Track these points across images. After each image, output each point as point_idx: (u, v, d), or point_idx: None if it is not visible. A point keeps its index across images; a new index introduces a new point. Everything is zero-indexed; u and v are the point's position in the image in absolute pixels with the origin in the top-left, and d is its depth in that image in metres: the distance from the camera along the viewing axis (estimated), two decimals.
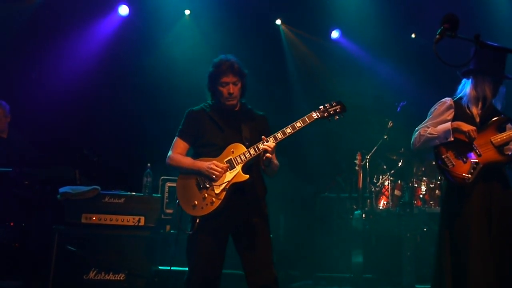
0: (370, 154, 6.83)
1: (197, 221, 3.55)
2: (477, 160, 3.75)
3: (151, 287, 5.08)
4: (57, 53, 6.91)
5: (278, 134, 3.56)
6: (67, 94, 6.75)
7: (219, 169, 3.52)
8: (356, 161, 6.76)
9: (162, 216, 5.79)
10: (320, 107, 3.64)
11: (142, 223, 5.47)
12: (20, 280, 5.17)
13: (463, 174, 3.72)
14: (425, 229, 6.58)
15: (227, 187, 3.53)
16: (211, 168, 3.53)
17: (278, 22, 8.17)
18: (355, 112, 7.40)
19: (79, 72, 6.95)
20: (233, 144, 3.63)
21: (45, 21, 6.94)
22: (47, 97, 6.61)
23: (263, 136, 3.55)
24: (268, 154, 3.49)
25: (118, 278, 5.20)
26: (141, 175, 5.82)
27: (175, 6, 7.51)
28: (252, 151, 3.56)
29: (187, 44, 7.57)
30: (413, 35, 8.24)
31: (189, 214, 3.59)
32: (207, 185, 3.56)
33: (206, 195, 3.55)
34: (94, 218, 5.33)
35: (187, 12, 7.73)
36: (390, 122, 6.78)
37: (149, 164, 5.84)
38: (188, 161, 3.67)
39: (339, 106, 3.66)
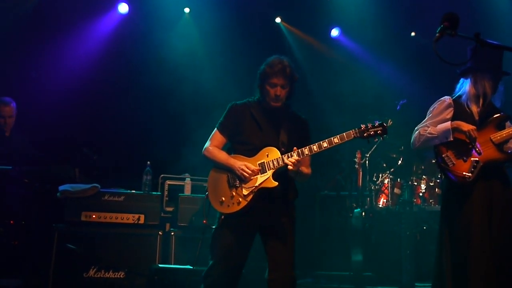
0: (370, 152, 6.83)
1: (222, 217, 3.58)
2: (477, 159, 3.75)
3: (151, 285, 5.08)
4: (56, 51, 6.89)
5: (314, 147, 3.53)
6: (67, 92, 6.74)
7: (250, 172, 3.52)
8: (356, 160, 6.76)
9: (162, 214, 5.81)
10: (362, 126, 3.57)
11: (141, 221, 5.48)
12: (20, 278, 5.17)
13: (464, 173, 3.72)
14: (424, 227, 6.58)
15: (255, 191, 3.53)
16: (243, 169, 3.53)
17: (278, 20, 8.17)
18: (354, 110, 7.47)
19: (79, 71, 6.94)
20: (269, 148, 3.61)
21: (44, 19, 6.93)
22: (46, 96, 6.60)
23: (294, 148, 3.53)
24: (290, 167, 3.47)
25: (118, 276, 5.21)
26: (141, 173, 5.83)
27: (174, 4, 7.50)
28: (285, 160, 3.53)
29: (186, 42, 7.56)
30: (412, 34, 8.24)
31: (215, 209, 3.61)
32: (237, 184, 3.57)
33: (234, 193, 3.57)
34: (94, 216, 5.33)
35: (186, 10, 7.72)
36: (389, 120, 6.77)
37: (148, 162, 5.85)
38: (222, 156, 3.67)
39: (380, 129, 3.56)
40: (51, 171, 5.59)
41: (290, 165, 3.47)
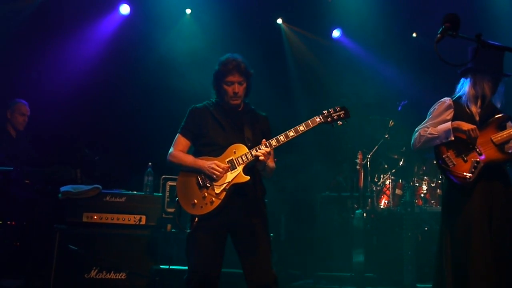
0: (371, 153, 6.83)
1: (196, 220, 3.55)
2: (478, 159, 3.75)
3: (152, 286, 5.08)
4: (58, 52, 6.91)
5: (281, 137, 3.55)
6: (68, 93, 6.75)
7: (220, 169, 3.52)
8: (357, 160, 6.76)
9: (163, 215, 5.79)
10: (324, 111, 3.64)
11: (143, 222, 5.47)
12: (21, 279, 5.17)
13: (464, 173, 3.72)
14: (426, 228, 6.58)
15: (228, 188, 3.53)
16: (212, 168, 3.52)
17: (279, 21, 8.17)
18: (356, 111, 7.46)
19: (80, 72, 6.95)
20: (235, 145, 3.62)
21: (46, 21, 6.95)
22: (48, 97, 6.61)
23: (263, 140, 3.55)
24: (262, 158, 3.48)
25: (119, 277, 5.21)
26: (142, 174, 5.82)
27: (176, 5, 7.51)
28: (253, 152, 3.55)
29: (188, 43, 7.57)
30: (414, 34, 8.23)
31: (188, 212, 3.58)
32: (208, 184, 3.55)
33: (206, 194, 3.54)
34: (95, 217, 5.33)
35: (188, 11, 7.73)
36: (391, 121, 6.78)
37: (150, 163, 5.84)
38: (189, 159, 3.66)
39: (342, 112, 3.66)
40: (53, 172, 5.60)
41: (261, 156, 3.48)
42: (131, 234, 5.36)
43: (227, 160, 3.58)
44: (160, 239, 5.50)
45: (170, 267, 5.30)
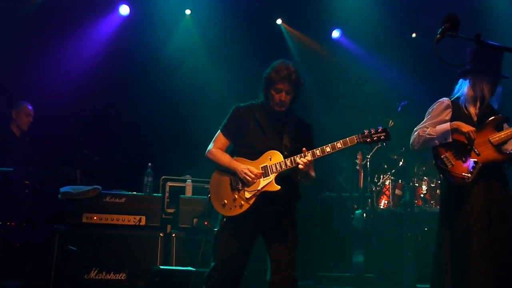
0: (371, 153, 6.83)
1: (224, 220, 3.59)
2: (476, 160, 3.75)
3: (152, 286, 5.08)
4: (58, 53, 6.90)
5: (317, 151, 3.55)
6: (68, 94, 6.75)
7: (253, 176, 3.53)
8: (357, 161, 6.75)
9: (163, 216, 5.80)
10: (365, 131, 3.59)
11: (143, 222, 5.48)
12: (21, 280, 5.18)
13: (463, 174, 3.72)
14: (426, 229, 6.58)
15: (258, 194, 3.54)
16: (246, 173, 3.53)
17: (279, 21, 8.17)
18: (355, 112, 7.47)
19: (80, 72, 6.95)
20: (272, 151, 3.61)
21: (46, 21, 6.94)
22: (48, 97, 6.61)
23: (304, 149, 3.54)
24: (301, 167, 3.48)
25: (119, 277, 5.21)
26: (142, 175, 5.83)
27: (175, 6, 7.51)
28: (288, 163, 3.55)
29: (187, 43, 7.57)
30: (413, 35, 8.24)
31: (217, 211, 3.62)
32: (239, 187, 3.57)
33: (236, 196, 3.57)
34: (95, 218, 5.33)
35: (187, 12, 7.72)
36: (391, 121, 6.77)
37: (150, 164, 5.85)
38: (225, 159, 3.67)
39: (383, 134, 3.58)
40: (53, 173, 5.60)
41: (301, 165, 3.47)
42: (131, 235, 5.37)
43: (262, 166, 3.59)
44: (160, 239, 5.50)
45: (170, 267, 5.31)
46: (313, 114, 7.35)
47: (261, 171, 3.56)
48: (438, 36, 2.63)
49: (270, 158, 3.60)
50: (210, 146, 3.77)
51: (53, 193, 5.38)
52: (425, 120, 3.99)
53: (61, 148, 6.56)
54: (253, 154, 3.63)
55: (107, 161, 6.39)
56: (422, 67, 7.67)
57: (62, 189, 5.35)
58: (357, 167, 6.74)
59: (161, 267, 5.28)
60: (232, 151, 3.76)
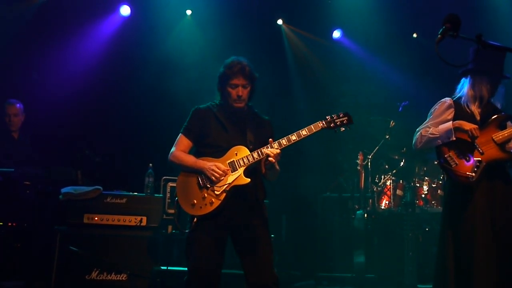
0: (372, 154, 6.83)
1: (195, 220, 3.56)
2: (480, 159, 3.75)
3: (153, 287, 5.08)
4: (58, 54, 6.91)
5: (283, 141, 3.55)
6: (69, 94, 6.76)
7: (220, 172, 3.52)
8: (358, 161, 6.76)
9: (164, 216, 5.79)
10: (327, 117, 3.63)
11: (144, 223, 5.47)
12: (22, 281, 5.17)
13: (467, 173, 3.72)
14: (427, 229, 6.58)
15: (228, 189, 3.53)
16: (213, 169, 3.53)
17: (280, 22, 8.17)
18: (357, 112, 7.45)
19: (81, 73, 6.95)
20: (237, 147, 3.62)
21: (46, 22, 6.95)
22: (48, 98, 6.61)
23: (270, 140, 3.55)
24: (271, 159, 3.49)
25: (120, 278, 5.21)
26: (143, 175, 5.82)
27: (176, 6, 7.51)
28: (255, 155, 3.56)
29: (188, 44, 7.57)
30: (414, 35, 8.23)
31: (187, 212, 3.59)
32: (208, 185, 3.56)
33: (206, 195, 3.55)
34: (96, 218, 5.33)
35: (188, 12, 7.73)
36: (392, 122, 6.78)
37: (151, 164, 5.84)
38: (190, 160, 3.67)
39: (346, 118, 3.64)
40: (54, 173, 5.60)
41: (271, 155, 3.48)
42: (132, 235, 5.36)
43: (228, 161, 3.59)
44: (161, 240, 5.50)
45: (171, 268, 5.31)
46: (313, 114, 7.35)
47: (228, 168, 3.56)
48: (439, 36, 2.62)
49: (236, 153, 3.61)
50: (173, 149, 3.76)
51: (54, 194, 5.38)
52: (427, 120, 4.00)
53: (62, 149, 6.56)
54: (218, 152, 3.64)
55: (108, 161, 6.39)
56: (423, 68, 7.67)
57: (63, 190, 5.35)
58: (358, 168, 6.74)
59: (162, 267, 5.28)
60: (196, 153, 3.75)
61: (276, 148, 3.52)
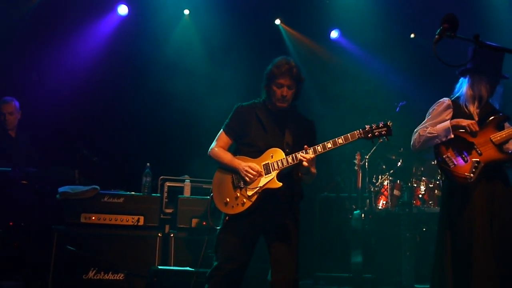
0: (369, 154, 6.84)
1: (226, 218, 3.60)
2: (478, 159, 3.75)
3: (150, 286, 5.07)
4: (56, 53, 6.90)
5: (318, 148, 3.55)
6: (67, 94, 6.75)
7: (254, 173, 3.54)
8: (355, 161, 6.76)
9: (161, 216, 5.80)
10: (366, 126, 3.59)
11: (141, 222, 5.48)
12: (19, 280, 5.16)
13: (465, 174, 3.72)
14: (424, 229, 6.58)
15: (260, 192, 3.55)
16: (247, 171, 3.55)
17: (277, 22, 8.17)
18: (354, 112, 7.47)
19: (78, 72, 6.94)
20: (273, 149, 3.63)
21: (44, 22, 6.93)
22: (46, 97, 6.60)
23: (305, 146, 3.55)
24: (305, 163, 3.49)
25: (118, 277, 5.21)
26: (140, 175, 5.82)
27: (174, 6, 7.51)
28: (290, 160, 3.56)
29: (186, 43, 7.57)
30: (412, 35, 8.24)
31: (219, 210, 3.63)
32: (241, 185, 3.58)
33: (238, 194, 3.58)
34: (93, 218, 5.33)
35: (186, 11, 7.72)
36: (389, 122, 6.76)
37: (148, 164, 5.84)
38: (227, 157, 3.69)
39: (385, 129, 3.59)
40: (51, 173, 5.59)
41: (305, 161, 3.48)
42: (129, 235, 5.36)
43: (263, 163, 3.60)
44: (158, 239, 5.50)
45: (168, 267, 5.31)
46: (312, 114, 7.33)
47: (262, 170, 3.57)
48: (436, 36, 2.63)
49: (272, 156, 3.61)
50: (213, 145, 3.79)
51: (51, 193, 5.37)
52: (425, 120, 4.00)
53: (59, 148, 6.55)
54: (255, 153, 3.65)
55: (106, 161, 6.39)
56: (421, 68, 7.67)
57: (61, 189, 5.35)
58: (356, 168, 6.75)
59: (159, 267, 5.28)
60: (235, 150, 3.78)
61: (311, 154, 3.52)
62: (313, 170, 3.70)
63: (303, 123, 3.85)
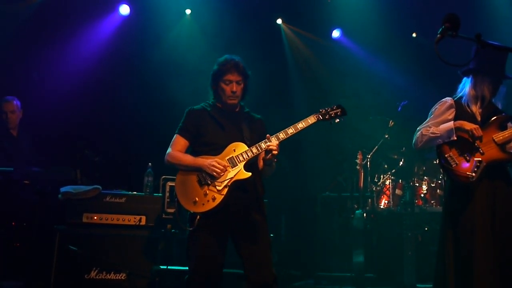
0: (371, 153, 6.83)
1: (198, 218, 3.56)
2: (480, 159, 3.75)
3: (152, 286, 5.07)
4: (58, 53, 6.90)
5: (281, 134, 3.59)
6: (68, 94, 6.75)
7: (221, 167, 3.54)
8: (357, 161, 6.75)
9: (163, 216, 5.79)
10: (321, 109, 3.71)
11: (143, 222, 5.47)
12: (21, 280, 5.17)
13: (467, 173, 3.72)
14: (426, 229, 6.58)
15: (229, 184, 3.55)
16: (213, 166, 3.54)
17: (279, 21, 8.17)
18: (356, 111, 7.46)
19: (80, 72, 6.95)
20: (234, 143, 3.66)
21: (46, 21, 6.94)
22: (48, 97, 6.61)
23: (268, 135, 3.58)
24: (274, 152, 3.52)
25: (119, 277, 5.21)
26: (142, 175, 5.82)
27: (176, 6, 7.51)
28: (254, 150, 3.60)
29: (187, 43, 7.57)
30: (414, 35, 8.23)
31: (189, 210, 3.60)
32: (209, 182, 3.57)
33: (207, 191, 3.56)
34: (95, 218, 5.33)
35: (188, 11, 7.72)
36: (391, 121, 6.78)
37: (150, 164, 5.84)
38: (188, 159, 3.69)
39: (339, 110, 3.73)
40: (53, 173, 5.59)
41: (274, 149, 3.51)
42: (131, 235, 5.36)
43: (227, 158, 3.61)
44: (160, 239, 5.50)
45: (170, 267, 5.31)
46: (314, 113, 7.34)
47: (227, 164, 3.58)
48: (438, 36, 2.62)
49: (234, 150, 3.64)
50: (169, 150, 3.79)
51: (53, 193, 5.37)
52: (428, 119, 4.00)
53: (61, 148, 6.56)
54: (216, 150, 3.66)
55: (107, 161, 6.39)
56: (423, 67, 7.67)
57: (62, 189, 5.34)
58: (357, 167, 6.74)
59: (161, 267, 5.28)
60: (192, 153, 3.77)
61: (275, 141, 3.56)
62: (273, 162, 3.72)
63: (254, 119, 3.91)
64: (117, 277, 5.20)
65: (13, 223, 5.32)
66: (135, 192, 5.66)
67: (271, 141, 3.56)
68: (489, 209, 3.70)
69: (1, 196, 5.30)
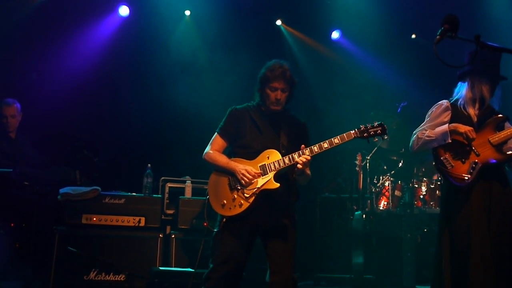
0: (371, 154, 6.83)
1: (224, 220, 3.60)
2: (476, 160, 3.75)
3: (151, 287, 5.07)
4: (57, 53, 6.90)
5: (315, 148, 3.57)
6: (67, 94, 6.75)
7: (251, 176, 3.55)
8: (357, 162, 6.76)
9: (163, 217, 5.80)
10: (361, 126, 3.63)
11: (142, 223, 5.48)
12: (20, 281, 5.17)
13: (463, 175, 3.73)
14: (425, 230, 6.58)
15: (257, 193, 3.56)
16: (244, 174, 3.56)
17: (279, 22, 8.17)
18: (355, 113, 7.47)
19: (80, 73, 6.94)
20: (269, 150, 3.65)
21: (45, 22, 6.93)
22: (47, 98, 6.60)
23: (302, 145, 3.57)
24: (299, 166, 3.51)
25: (119, 278, 5.21)
26: (142, 176, 5.82)
27: (175, 7, 7.51)
28: (286, 160, 3.58)
29: (187, 44, 7.57)
30: (413, 36, 8.24)
31: (216, 212, 3.64)
32: (238, 187, 3.59)
33: (236, 196, 3.58)
34: (94, 219, 5.33)
35: (187, 12, 7.72)
36: (393, 124, 6.78)
37: (149, 165, 5.85)
38: (223, 160, 3.70)
39: (379, 128, 3.62)
40: (52, 174, 5.60)
41: (300, 163, 3.50)
42: (130, 236, 5.37)
43: (260, 165, 3.62)
44: (159, 240, 5.50)
45: (169, 268, 5.31)
46: (313, 114, 7.35)
47: (259, 171, 3.58)
48: (437, 37, 2.62)
49: (268, 157, 3.63)
50: (207, 149, 3.81)
51: (52, 194, 5.38)
52: (424, 122, 4.01)
53: (60, 149, 6.55)
54: (251, 154, 3.66)
55: (107, 161, 6.39)
56: (422, 68, 7.67)
57: (62, 190, 5.35)
58: (357, 168, 6.75)
59: (160, 268, 5.28)
60: (230, 153, 3.80)
61: (307, 155, 3.53)
62: (308, 171, 3.71)
63: (296, 124, 3.87)
64: (116, 278, 5.20)
65: (12, 224, 5.31)
66: (134, 193, 5.66)
67: (304, 153, 3.54)
68: (485, 209, 3.70)
69: (1, 197, 5.29)
